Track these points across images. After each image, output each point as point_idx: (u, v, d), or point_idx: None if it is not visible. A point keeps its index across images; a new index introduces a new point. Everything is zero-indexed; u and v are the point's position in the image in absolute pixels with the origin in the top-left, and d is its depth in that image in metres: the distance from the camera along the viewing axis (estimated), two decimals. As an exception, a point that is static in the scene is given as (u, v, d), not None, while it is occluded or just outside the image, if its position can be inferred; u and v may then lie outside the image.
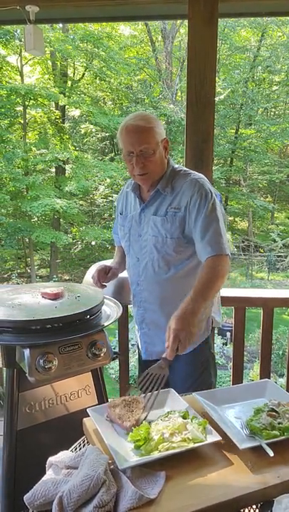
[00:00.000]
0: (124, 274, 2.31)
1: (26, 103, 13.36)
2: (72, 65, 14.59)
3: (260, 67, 15.28)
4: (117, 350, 2.37)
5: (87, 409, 1.26)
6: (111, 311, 1.91)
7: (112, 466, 1.06)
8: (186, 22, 2.24)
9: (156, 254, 1.70)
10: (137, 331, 1.91)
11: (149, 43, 14.77)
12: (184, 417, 1.20)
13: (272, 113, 17.43)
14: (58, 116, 13.73)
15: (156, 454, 1.08)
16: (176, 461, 1.08)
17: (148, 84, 15.41)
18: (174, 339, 1.36)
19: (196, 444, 1.11)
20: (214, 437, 1.14)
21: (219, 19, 2.19)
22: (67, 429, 1.37)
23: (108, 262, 2.08)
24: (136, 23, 13.64)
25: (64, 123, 14.55)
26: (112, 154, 16.41)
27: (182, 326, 1.38)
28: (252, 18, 12.92)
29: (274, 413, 1.20)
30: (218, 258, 1.57)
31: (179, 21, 12.71)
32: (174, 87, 14.24)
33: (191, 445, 1.10)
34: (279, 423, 1.17)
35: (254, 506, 1.03)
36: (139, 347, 1.94)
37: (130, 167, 1.65)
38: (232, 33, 14.30)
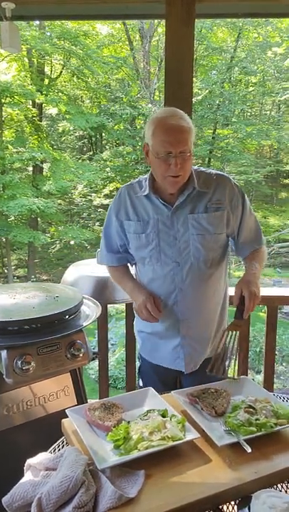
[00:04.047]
0: (103, 274, 2.31)
1: (3, 100, 13.14)
2: (49, 62, 14.42)
3: (236, 68, 15.45)
4: (96, 350, 2.36)
5: (66, 410, 1.26)
6: (90, 311, 1.90)
7: (91, 467, 1.06)
8: (163, 22, 2.25)
9: (203, 253, 1.62)
10: (168, 345, 1.71)
11: (127, 42, 14.74)
12: (163, 416, 1.20)
13: (248, 114, 17.64)
14: (35, 115, 13.54)
15: (135, 453, 1.08)
16: (156, 459, 1.09)
17: (126, 83, 15.38)
18: (255, 298, 1.50)
19: (175, 442, 1.11)
20: (193, 435, 1.15)
21: (196, 19, 2.21)
22: (46, 431, 1.36)
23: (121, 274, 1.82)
24: (114, 21, 13.60)
25: (41, 121, 14.38)
26: (91, 153, 16.32)
27: (257, 287, 1.54)
28: (228, 19, 13.06)
29: (251, 409, 1.22)
30: (263, 248, 1.76)
31: (156, 21, 12.74)
32: (152, 87, 14.26)
33: (170, 443, 1.11)
34: (256, 419, 1.19)
35: (233, 502, 1.04)
36: (169, 360, 1.72)
37: (164, 167, 1.52)
38: (209, 34, 14.40)
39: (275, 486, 1.08)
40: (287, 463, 1.08)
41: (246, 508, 0.97)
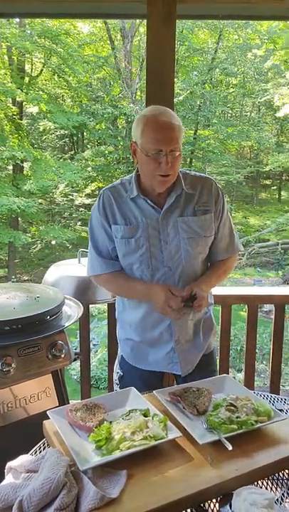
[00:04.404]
0: (84, 274, 2.30)
1: (-18, 98, 12.95)
2: (29, 60, 14.27)
3: (217, 70, 15.59)
4: (78, 350, 2.35)
5: (47, 412, 1.24)
6: (72, 311, 1.89)
7: (73, 468, 1.05)
8: (145, 22, 2.25)
9: (194, 256, 1.60)
10: (158, 351, 1.66)
11: (109, 42, 14.70)
12: (145, 415, 1.20)
13: (229, 115, 17.83)
14: (15, 113, 13.38)
15: (117, 453, 1.08)
16: (138, 459, 1.09)
17: (108, 82, 15.34)
18: (203, 296, 1.50)
19: (157, 442, 1.12)
20: (175, 434, 1.15)
21: (178, 20, 2.22)
22: (27, 433, 1.34)
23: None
24: (95, 20, 13.53)
25: (22, 120, 14.21)
26: (72, 153, 16.22)
27: (208, 290, 1.59)
28: (209, 21, 13.15)
29: (232, 407, 1.23)
30: (234, 257, 1.75)
31: (138, 21, 12.74)
32: (134, 87, 14.26)
33: (152, 442, 1.11)
34: (237, 417, 1.20)
35: (214, 500, 1.05)
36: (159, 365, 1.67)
37: (153, 166, 1.47)
38: (190, 35, 14.49)
39: (255, 483, 1.09)
40: (267, 460, 1.10)
41: (228, 506, 0.98)
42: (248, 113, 18.20)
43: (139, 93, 14.41)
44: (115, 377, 1.78)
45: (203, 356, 1.69)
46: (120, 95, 14.41)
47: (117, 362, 1.79)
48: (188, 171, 1.67)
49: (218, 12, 2.42)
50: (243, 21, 12.36)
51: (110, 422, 1.19)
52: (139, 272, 1.59)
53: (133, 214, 1.58)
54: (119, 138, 14.51)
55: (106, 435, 1.13)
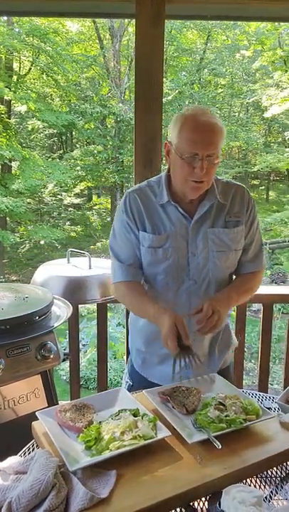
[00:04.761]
0: (74, 274, 2.29)
1: None
2: (17, 59, 14.16)
3: (205, 70, 15.64)
4: (67, 351, 2.34)
5: (36, 413, 1.24)
6: (61, 311, 1.89)
7: (62, 469, 1.05)
8: (133, 21, 2.25)
9: (223, 271, 1.51)
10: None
11: (97, 41, 14.65)
12: (135, 415, 1.21)
13: (217, 115, 17.90)
14: (3, 112, 13.26)
15: (107, 454, 1.08)
16: (128, 459, 1.09)
17: (96, 82, 15.29)
18: (218, 318, 1.36)
19: (147, 441, 1.12)
20: (164, 433, 1.16)
21: (166, 20, 2.22)
22: (16, 434, 1.33)
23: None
24: (83, 19, 13.47)
25: (10, 119, 14.09)
26: (61, 152, 16.13)
27: (225, 310, 1.44)
28: (198, 21, 13.20)
29: (221, 406, 1.24)
30: (260, 274, 1.63)
31: (126, 20, 12.72)
32: (123, 86, 14.23)
33: (142, 442, 1.11)
34: (226, 415, 1.21)
35: (203, 498, 1.06)
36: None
37: (187, 170, 1.36)
38: (179, 35, 14.52)
39: (244, 481, 1.10)
40: (256, 458, 1.11)
41: (217, 504, 0.99)
42: (237, 113, 18.30)
43: (128, 93, 14.38)
44: (124, 386, 1.70)
45: (218, 372, 1.57)
46: (109, 95, 14.38)
47: (126, 371, 1.74)
48: (219, 178, 1.56)
49: (206, 12, 2.43)
50: (232, 22, 12.44)
51: (100, 422, 1.19)
52: (163, 283, 1.51)
53: (162, 222, 1.48)
54: (108, 137, 14.47)
55: (95, 435, 1.13)
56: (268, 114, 13.81)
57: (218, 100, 16.91)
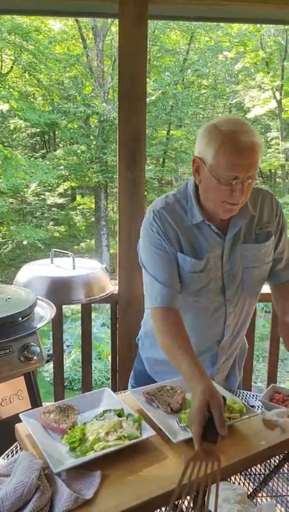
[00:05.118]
0: (57, 274, 2.27)
1: None
2: (-1, 57, 14.01)
3: (189, 71, 15.72)
4: (51, 352, 2.32)
5: (20, 415, 1.22)
6: (44, 312, 1.87)
7: (46, 471, 1.04)
8: (116, 21, 2.25)
9: (255, 286, 1.45)
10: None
11: (80, 40, 14.57)
12: (120, 415, 1.20)
13: (201, 116, 18.01)
14: (-16, 111, 13.10)
15: (91, 454, 1.08)
16: (112, 459, 1.09)
17: (80, 81, 15.21)
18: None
19: (132, 441, 1.12)
20: (149, 433, 1.16)
21: (149, 20, 2.23)
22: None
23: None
24: (66, 18, 13.39)
25: (-9, 117, 13.93)
26: (44, 151, 16.00)
27: None
28: (181, 22, 13.25)
29: (206, 405, 1.24)
30: None
31: (109, 20, 12.69)
32: (106, 86, 14.19)
33: (127, 442, 1.11)
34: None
35: (188, 497, 1.06)
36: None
37: (225, 194, 1.24)
38: (162, 36, 14.55)
39: (229, 479, 1.11)
40: (240, 456, 1.12)
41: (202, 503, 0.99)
42: (220, 114, 18.43)
43: (111, 92, 14.35)
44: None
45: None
46: (92, 94, 14.31)
47: (133, 379, 1.70)
48: None
49: (189, 13, 2.45)
50: (214, 23, 12.52)
51: (84, 423, 1.18)
52: (199, 307, 1.42)
53: (200, 244, 1.36)
54: (91, 137, 14.41)
55: (80, 436, 1.12)
56: (250, 115, 13.95)
57: (201, 101, 17.00)
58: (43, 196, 14.79)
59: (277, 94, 14.00)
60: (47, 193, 14.74)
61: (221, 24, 13.53)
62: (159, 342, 1.33)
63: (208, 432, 1.03)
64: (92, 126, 14.80)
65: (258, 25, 12.08)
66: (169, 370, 1.42)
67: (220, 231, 1.35)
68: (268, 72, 13.93)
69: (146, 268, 1.39)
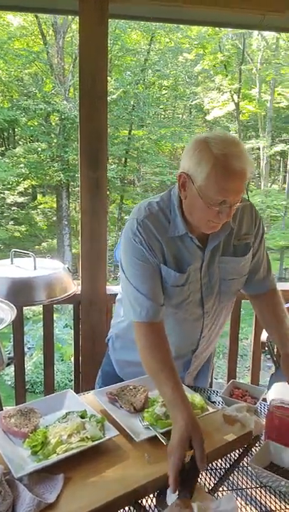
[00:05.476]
0: (18, 275, 2.22)
1: None
2: None
3: (150, 71, 15.79)
4: (11, 355, 2.27)
5: (-21, 420, 1.19)
6: (4, 314, 1.82)
7: (7, 476, 1.02)
8: (77, 18, 2.23)
9: (231, 298, 1.47)
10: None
11: (40, 36, 14.31)
12: (82, 417, 1.20)
13: (162, 116, 18.14)
14: None
15: (54, 458, 1.06)
16: (76, 461, 1.08)
17: (40, 78, 14.93)
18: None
19: (95, 442, 1.11)
20: (112, 433, 1.16)
21: (110, 19, 2.22)
22: None
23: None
24: (25, 13, 13.10)
25: None
26: (3, 149, 15.58)
27: None
28: (142, 22, 13.30)
29: (168, 403, 1.25)
30: (276, 290, 1.53)
31: (70, 17, 12.53)
32: (67, 83, 14.00)
33: (90, 444, 1.11)
34: (173, 412, 1.22)
35: (152, 495, 1.07)
36: None
37: (211, 214, 1.22)
38: (123, 35, 14.54)
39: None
40: (201, 451, 1.13)
41: (166, 501, 1.00)
42: (180, 115, 18.63)
43: (72, 90, 14.19)
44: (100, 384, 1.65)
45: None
46: (53, 91, 14.09)
47: (100, 380, 1.68)
48: None
49: (149, 14, 2.46)
50: (174, 25, 12.66)
51: (47, 427, 1.17)
52: (178, 318, 1.40)
53: (182, 256, 1.34)
54: (52, 135, 14.19)
55: (42, 440, 1.10)
56: (209, 117, 14.21)
57: (162, 101, 17.14)
58: (2, 195, 14.41)
59: (236, 96, 14.34)
60: (6, 192, 14.37)
61: (181, 26, 13.71)
62: (142, 359, 1.29)
63: (184, 485, 0.98)
64: (53, 124, 14.57)
65: (217, 29, 12.32)
66: (142, 372, 1.41)
67: (200, 243, 1.34)
68: (227, 75, 14.25)
69: (129, 279, 1.33)
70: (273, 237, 13.19)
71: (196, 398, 1.29)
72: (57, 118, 14.02)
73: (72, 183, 13.95)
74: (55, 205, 15.29)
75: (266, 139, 14.75)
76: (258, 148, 15.10)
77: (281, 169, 19.06)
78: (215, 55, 13.89)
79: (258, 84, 14.72)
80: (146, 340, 1.29)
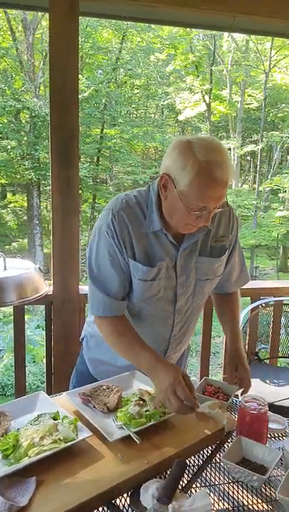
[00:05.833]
0: (-14, 276, 2.17)
1: None
2: None
3: (121, 70, 15.76)
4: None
5: None
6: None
7: (-23, 482, 1.00)
8: (47, 15, 2.20)
9: (204, 297, 1.48)
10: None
11: (9, 32, 14.02)
12: (55, 418, 1.18)
13: (134, 115, 18.14)
14: None
15: (26, 461, 1.05)
16: (48, 464, 1.06)
17: (9, 74, 14.64)
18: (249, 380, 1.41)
19: (67, 444, 1.10)
20: (85, 434, 1.15)
21: (81, 17, 2.20)
22: None
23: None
24: (-7, 8, 12.82)
25: None
26: None
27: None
28: (113, 21, 13.24)
29: (141, 402, 1.26)
30: (238, 289, 1.64)
31: (40, 14, 12.34)
32: (37, 81, 13.78)
33: (63, 445, 1.09)
34: (146, 410, 1.23)
35: (125, 495, 1.07)
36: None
37: (190, 219, 1.24)
38: (94, 33, 14.44)
39: (163, 474, 1.12)
40: (174, 449, 1.14)
41: (138, 500, 1.00)
42: (152, 115, 18.69)
43: (42, 88, 13.99)
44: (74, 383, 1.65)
45: None
46: (23, 89, 13.84)
47: (75, 379, 1.66)
48: None
49: (120, 13, 2.46)
50: (146, 24, 12.67)
51: (18, 429, 1.15)
52: (146, 313, 1.41)
53: (154, 251, 1.33)
54: (22, 133, 13.93)
55: (13, 443, 1.08)
56: (181, 117, 14.30)
57: (134, 101, 17.13)
58: None
59: (207, 97, 14.50)
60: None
61: (152, 26, 13.74)
62: (109, 345, 1.37)
63: (165, 491, 0.98)
64: (23, 121, 14.32)
65: (188, 29, 12.42)
66: (114, 371, 1.46)
67: (175, 241, 1.34)
68: (198, 76, 14.39)
69: (95, 277, 1.35)
70: (244, 236, 13.42)
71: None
72: (27, 115, 13.78)
73: (43, 182, 13.74)
74: (25, 204, 15.03)
75: (237, 139, 14.98)
76: (229, 149, 15.30)
77: (251, 169, 19.42)
78: (186, 56, 14.00)
79: (229, 85, 14.94)
80: (111, 329, 1.36)
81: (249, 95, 14.98)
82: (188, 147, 1.20)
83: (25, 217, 15.24)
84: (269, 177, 15.41)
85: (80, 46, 2.20)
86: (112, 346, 1.38)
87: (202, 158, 1.18)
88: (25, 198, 15.06)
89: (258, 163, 15.14)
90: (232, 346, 1.51)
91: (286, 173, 13.78)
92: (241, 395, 1.39)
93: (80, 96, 2.24)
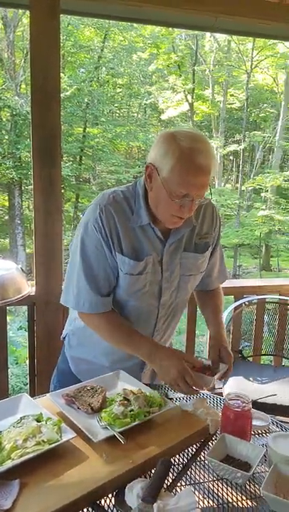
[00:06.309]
0: None
1: None
2: None
3: (104, 69, 15.70)
4: None
5: None
6: None
7: None
8: (28, 13, 2.17)
9: (188, 293, 1.50)
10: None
11: (-11, 29, 13.83)
12: (38, 420, 1.17)
13: (117, 115, 18.10)
14: None
15: (8, 463, 1.03)
16: (32, 466, 1.05)
17: (-11, 72, 14.45)
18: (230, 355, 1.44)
19: (51, 445, 1.09)
20: (69, 435, 1.14)
21: (62, 14, 2.18)
22: None
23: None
24: (-27, 4, 12.62)
25: None
26: None
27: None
28: (95, 19, 13.17)
29: (126, 401, 1.26)
30: (220, 285, 1.67)
31: (20, 11, 12.19)
32: (18, 79, 13.62)
33: (46, 447, 1.08)
34: (130, 410, 1.23)
35: (110, 495, 1.06)
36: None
37: (174, 208, 1.25)
38: (76, 31, 14.35)
39: (148, 473, 1.12)
40: (159, 449, 1.14)
41: (123, 500, 1.00)
42: (135, 114, 18.68)
43: (24, 86, 13.83)
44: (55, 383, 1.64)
45: None
46: (4, 87, 13.66)
47: (56, 378, 1.65)
48: None
49: (101, 11, 2.45)
50: (128, 23, 12.63)
51: (0, 432, 1.13)
52: (131, 308, 1.42)
53: (141, 245, 1.35)
54: (3, 131, 13.75)
55: (-4, 446, 1.07)
56: (164, 117, 14.33)
57: (116, 100, 17.09)
58: None
59: (189, 97, 14.56)
60: None
61: (135, 25, 13.72)
62: (104, 338, 1.41)
63: (150, 490, 0.97)
64: (4, 119, 14.13)
65: (170, 29, 12.45)
66: (96, 369, 1.46)
67: (162, 236, 1.36)
68: (180, 75, 14.44)
69: (81, 272, 1.35)
70: (227, 235, 13.53)
71: (154, 395, 1.30)
72: (8, 114, 13.61)
73: (25, 181, 13.59)
74: (7, 204, 14.83)
75: (219, 139, 15.09)
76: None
77: (234, 169, 19.59)
78: (169, 55, 14.04)
79: (211, 85, 15.04)
80: (102, 322, 1.39)
81: (231, 95, 15.10)
82: (172, 137, 1.24)
83: (6, 217, 15.04)
84: (251, 176, 15.57)
85: (61, 44, 2.18)
86: (108, 337, 1.41)
87: (185, 145, 1.21)
88: (7, 198, 14.86)
89: (241, 162, 15.28)
90: (214, 330, 1.54)
91: (268, 172, 13.94)
92: (222, 377, 1.43)
93: (62, 94, 2.22)
